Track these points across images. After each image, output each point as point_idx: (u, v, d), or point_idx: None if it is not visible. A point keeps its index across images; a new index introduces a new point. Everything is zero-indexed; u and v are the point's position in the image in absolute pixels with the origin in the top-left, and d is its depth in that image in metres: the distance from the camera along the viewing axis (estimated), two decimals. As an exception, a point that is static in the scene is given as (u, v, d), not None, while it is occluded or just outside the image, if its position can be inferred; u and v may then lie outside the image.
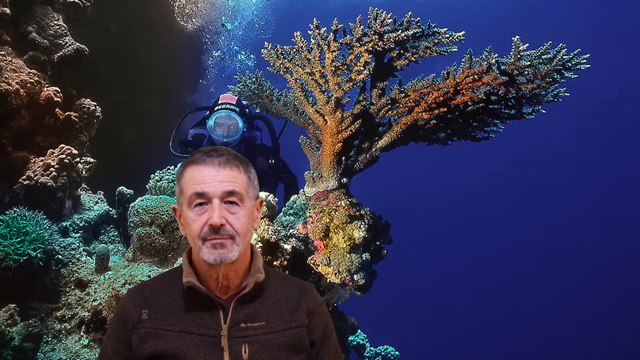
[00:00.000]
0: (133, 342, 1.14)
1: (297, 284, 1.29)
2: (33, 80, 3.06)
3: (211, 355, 1.10)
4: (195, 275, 1.18)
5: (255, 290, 1.19)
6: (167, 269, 2.51)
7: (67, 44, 3.43)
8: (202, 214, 1.13)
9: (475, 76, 2.21)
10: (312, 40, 2.18)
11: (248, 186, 1.19)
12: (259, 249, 2.29)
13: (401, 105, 2.40)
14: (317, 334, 1.23)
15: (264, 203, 2.38)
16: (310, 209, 2.48)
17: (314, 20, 2.13)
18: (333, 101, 2.29)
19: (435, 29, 2.27)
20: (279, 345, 1.15)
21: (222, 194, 1.13)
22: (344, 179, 2.48)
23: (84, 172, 3.22)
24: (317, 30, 2.13)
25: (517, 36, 2.15)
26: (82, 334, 2.49)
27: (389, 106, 2.42)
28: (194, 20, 6.64)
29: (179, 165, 1.24)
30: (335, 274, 2.26)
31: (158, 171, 3.22)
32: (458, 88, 2.25)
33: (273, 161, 3.74)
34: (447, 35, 2.22)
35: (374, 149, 2.52)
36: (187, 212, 1.15)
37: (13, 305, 2.33)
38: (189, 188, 1.14)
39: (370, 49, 2.16)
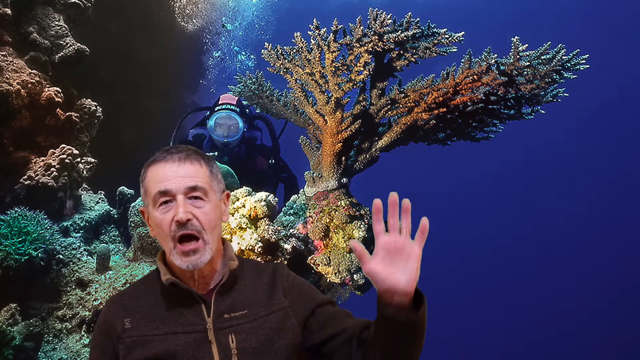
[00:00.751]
0: (120, 352, 1.13)
1: (269, 268, 1.30)
2: (34, 81, 3.06)
3: (200, 350, 1.11)
4: (172, 274, 1.18)
5: (232, 280, 1.20)
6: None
7: (68, 45, 3.43)
8: (167, 211, 1.12)
9: (475, 76, 2.21)
10: (312, 40, 2.18)
11: (211, 180, 1.19)
12: (259, 249, 2.30)
13: (401, 106, 2.40)
14: (304, 310, 1.23)
15: (265, 203, 2.38)
16: (310, 209, 2.49)
17: (314, 20, 2.13)
18: (333, 101, 2.29)
19: (435, 29, 2.27)
20: (264, 330, 1.15)
21: (185, 189, 1.13)
22: (344, 179, 2.48)
23: (84, 172, 3.22)
24: (317, 31, 2.14)
25: (516, 37, 2.15)
26: (83, 333, 2.49)
27: (389, 106, 2.42)
28: (194, 20, 6.65)
29: None
30: (335, 273, 2.27)
31: (159, 171, 3.22)
32: (457, 88, 2.26)
33: (273, 161, 3.75)
34: (446, 36, 2.23)
35: (373, 149, 2.52)
36: (153, 212, 1.14)
37: (14, 305, 2.33)
38: (152, 187, 1.14)
39: (370, 49, 2.17)
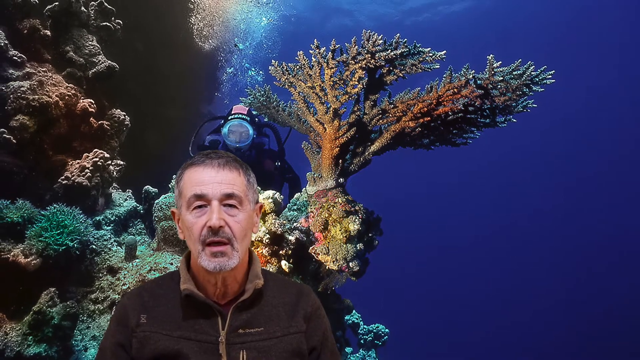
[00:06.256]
0: (133, 345, 1.01)
1: (295, 288, 1.14)
2: (70, 93, 3.07)
3: None
4: (193, 280, 1.04)
5: (254, 296, 1.05)
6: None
7: (100, 62, 3.44)
8: (200, 216, 0.99)
9: (455, 90, 2.22)
10: (313, 58, 2.19)
11: (247, 189, 1.05)
12: (267, 240, 2.30)
13: (390, 115, 2.41)
14: (316, 339, 1.10)
15: (272, 200, 2.39)
16: (311, 205, 2.49)
17: (315, 41, 2.14)
18: (331, 111, 2.30)
19: (420, 48, 2.27)
20: (277, 351, 1.01)
21: (221, 196, 0.99)
22: (341, 179, 2.49)
23: (114, 173, 3.23)
24: (317, 50, 2.14)
25: (491, 55, 2.16)
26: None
27: (380, 116, 2.43)
28: (210, 41, 6.66)
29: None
30: (333, 261, 2.27)
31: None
32: (440, 100, 2.26)
33: (279, 164, 3.76)
34: (430, 54, 2.23)
35: (367, 153, 2.53)
36: (186, 215, 1.01)
37: (53, 289, 2.34)
38: (188, 190, 1.00)
39: (364, 66, 2.18)
